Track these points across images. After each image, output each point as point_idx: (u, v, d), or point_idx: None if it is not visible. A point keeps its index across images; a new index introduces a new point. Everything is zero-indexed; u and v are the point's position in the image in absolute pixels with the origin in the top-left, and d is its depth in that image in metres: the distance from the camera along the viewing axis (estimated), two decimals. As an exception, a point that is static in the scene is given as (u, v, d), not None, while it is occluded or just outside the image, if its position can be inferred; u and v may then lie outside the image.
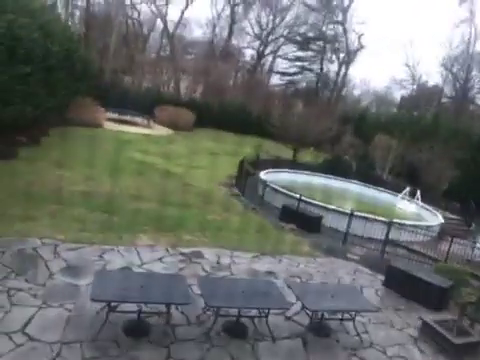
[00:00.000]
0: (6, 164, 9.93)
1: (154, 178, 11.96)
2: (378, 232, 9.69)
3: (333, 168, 17.71)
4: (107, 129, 18.92)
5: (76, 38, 24.63)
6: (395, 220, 10.23)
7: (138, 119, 22.83)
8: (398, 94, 40.36)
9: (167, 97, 28.43)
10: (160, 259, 6.58)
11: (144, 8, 36.33)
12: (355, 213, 9.99)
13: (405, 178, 18.70)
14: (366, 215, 10.61)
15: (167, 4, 34.96)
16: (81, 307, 4.79)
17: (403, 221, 11.11)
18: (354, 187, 16.81)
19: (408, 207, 14.72)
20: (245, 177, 13.16)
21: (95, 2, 34.76)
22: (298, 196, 10.70)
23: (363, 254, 8.88)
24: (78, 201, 8.46)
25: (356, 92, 44.60)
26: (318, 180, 16.47)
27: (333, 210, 10.87)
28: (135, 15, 36.77)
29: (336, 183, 16.70)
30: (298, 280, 6.78)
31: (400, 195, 15.37)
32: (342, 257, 8.43)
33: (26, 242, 6.21)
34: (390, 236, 9.45)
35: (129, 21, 36.50)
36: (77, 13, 35.67)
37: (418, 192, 14.97)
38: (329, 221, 10.49)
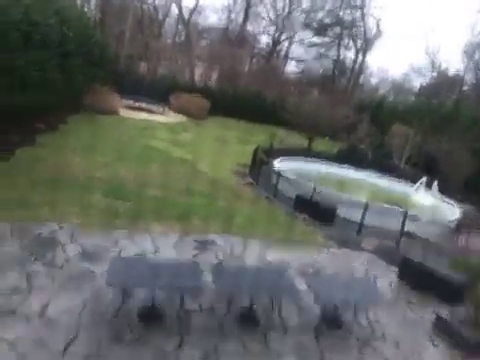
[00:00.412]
0: (25, 150, 10.10)
1: (168, 165, 12.01)
2: (393, 223, 9.56)
3: (349, 157, 17.47)
4: (123, 116, 19.02)
5: (92, 24, 24.68)
6: (411, 211, 10.08)
7: (153, 106, 22.85)
8: (417, 82, 39.39)
9: (182, 84, 28.35)
10: (174, 246, 6.64)
11: (159, -7, 36.07)
12: (370, 204, 9.87)
13: (422, 168, 18.34)
14: (381, 206, 10.47)
15: (183, -11, 34.62)
16: (97, 291, 4.89)
17: (419, 212, 10.94)
18: (369, 177, 16.58)
19: (424, 198, 14.46)
20: (259, 166, 13.10)
21: (111, -13, 34.60)
22: (312, 186, 10.61)
23: (377, 245, 8.80)
24: (94, 187, 8.57)
25: (373, 80, 43.69)
26: (333, 169, 16.28)
27: (348, 200, 10.76)
28: (150, 0, 36.55)
29: (351, 172, 16.48)
30: (311, 270, 6.78)
31: (416, 185, 15.12)
32: (356, 248, 8.37)
33: (44, 227, 6.34)
34: (406, 228, 9.33)
35: (144, 6, 36.31)
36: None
37: (435, 183, 14.68)
38: (343, 211, 10.38)
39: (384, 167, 17.33)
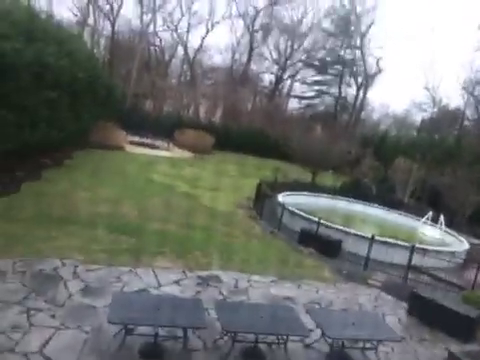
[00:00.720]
0: (30, 185, 10.21)
1: (173, 200, 12.05)
2: (400, 258, 9.40)
3: (353, 191, 17.47)
4: (128, 152, 19.32)
5: (100, 65, 25.61)
6: (418, 245, 9.93)
7: (158, 142, 23.25)
8: (418, 117, 39.99)
9: (187, 121, 28.99)
10: (177, 282, 6.54)
11: (166, 35, 37.65)
12: (376, 237, 9.77)
13: (427, 202, 18.25)
14: (387, 240, 10.35)
15: (188, 31, 36.16)
16: (98, 329, 4.78)
17: (426, 246, 10.77)
18: (374, 211, 16.49)
19: (431, 232, 14.30)
20: (263, 199, 13.11)
21: (119, 30, 36.23)
22: (317, 219, 10.56)
23: (385, 280, 8.62)
24: (98, 222, 8.57)
25: (375, 115, 44.44)
26: (337, 203, 16.25)
27: (353, 234, 10.65)
28: (157, 42, 38.08)
29: (356, 206, 16.43)
30: (317, 306, 6.61)
31: (422, 219, 14.98)
32: (363, 283, 8.19)
33: (46, 262, 6.29)
34: (413, 262, 9.16)
35: (151, 48, 37.77)
36: (102, 41, 37.20)
37: (441, 217, 14.55)
38: (349, 245, 10.26)
39: (388, 201, 17.27)
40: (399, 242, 10.38)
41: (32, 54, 9.47)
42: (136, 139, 22.39)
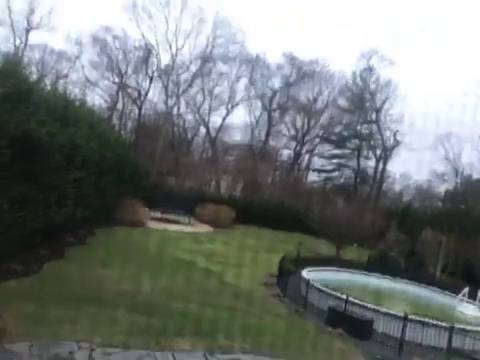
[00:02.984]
0: (53, 265, 10.23)
1: (193, 277, 11.78)
2: (438, 339, 8.65)
3: (379, 266, 16.75)
4: (150, 228, 19.47)
5: (127, 145, 27.06)
6: (457, 325, 9.16)
7: (180, 217, 23.46)
8: (441, 188, 39.50)
9: (208, 195, 29.47)
10: (198, 367, 6.12)
11: (189, 117, 40.01)
12: (410, 316, 9.10)
13: (461, 277, 17.23)
14: (422, 319, 9.62)
15: (210, 113, 38.39)
16: None
17: (467, 326, 9.92)
18: (404, 286, 15.61)
19: (470, 310, 13.26)
20: (286, 276, 12.66)
21: (146, 113, 38.83)
22: (344, 297, 10.01)
23: (424, 366, 7.84)
24: (118, 302, 8.36)
25: (397, 187, 44.17)
26: (364, 279, 15.52)
27: (384, 313, 9.97)
28: (181, 123, 40.37)
29: (384, 282, 15.62)
30: (351, 397, 5.98)
31: (459, 296, 14.00)
32: (400, 369, 7.47)
33: (63, 346, 6.05)
34: (453, 344, 8.39)
35: (175, 128, 39.98)
36: (130, 124, 39.78)
37: (479, 293, 13.60)
38: (381, 325, 9.56)
39: (418, 276, 16.39)
40: (436, 322, 9.62)
41: (65, 137, 10.12)
42: (158, 215, 22.69)
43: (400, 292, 14.98)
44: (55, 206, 10.44)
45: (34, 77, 11.24)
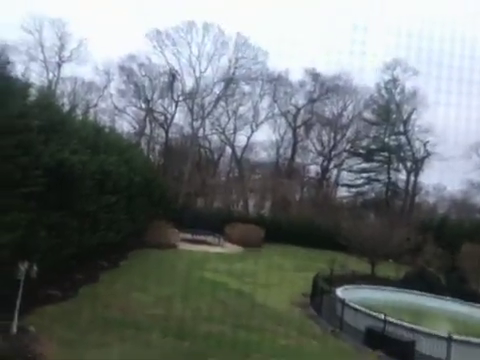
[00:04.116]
0: (87, 288, 10.40)
1: (225, 298, 11.66)
2: (488, 361, 8.10)
3: (418, 282, 16.03)
4: (180, 249, 19.56)
5: (155, 168, 27.62)
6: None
7: (209, 238, 23.49)
8: (479, 198, 37.81)
9: (236, 215, 29.46)
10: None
11: (214, 138, 40.55)
12: (454, 337, 8.59)
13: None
14: (468, 339, 9.06)
15: (235, 133, 38.77)
16: None
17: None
18: (446, 304, 14.82)
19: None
20: (320, 295, 12.31)
21: (172, 137, 39.67)
22: (382, 316, 9.60)
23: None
24: (151, 325, 8.36)
25: (431, 199, 42.66)
26: (402, 296, 14.88)
27: (427, 333, 9.46)
28: (207, 144, 40.93)
29: (424, 300, 14.91)
30: None
31: (507, 313, 13.18)
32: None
33: (99, 372, 6.07)
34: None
35: (201, 150, 40.55)
36: (157, 147, 40.70)
37: None
38: (423, 346, 9.07)
39: (460, 292, 15.54)
40: (484, 341, 9.05)
41: (96, 164, 10.42)
42: (188, 236, 22.80)
43: (442, 310, 14.24)
44: (88, 231, 10.68)
45: (66, 108, 11.74)
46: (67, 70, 35.36)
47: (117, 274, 12.68)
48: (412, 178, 38.28)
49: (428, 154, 37.41)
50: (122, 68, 37.10)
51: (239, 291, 12.92)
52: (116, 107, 38.03)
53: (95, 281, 11.14)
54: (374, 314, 10.38)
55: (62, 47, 35.00)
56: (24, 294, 6.67)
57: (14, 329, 6.48)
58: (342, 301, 11.30)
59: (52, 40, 34.43)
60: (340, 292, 13.01)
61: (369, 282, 15.64)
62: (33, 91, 8.83)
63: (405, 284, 16.12)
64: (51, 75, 34.91)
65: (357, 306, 11.05)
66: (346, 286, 14.13)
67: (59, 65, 35.32)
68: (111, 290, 10.65)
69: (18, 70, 8.23)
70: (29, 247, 7.43)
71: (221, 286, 13.34)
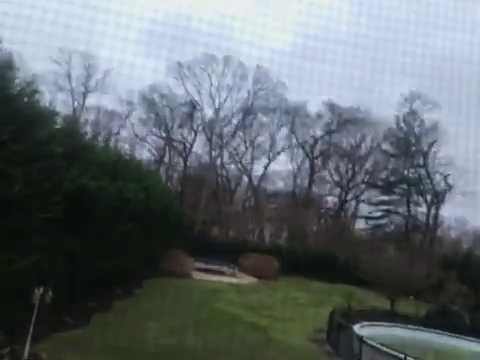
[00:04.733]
0: (101, 317, 10.31)
1: (238, 331, 11.35)
2: None
3: (440, 321, 15.31)
4: (195, 279, 19.36)
5: (173, 196, 27.83)
6: None
7: (224, 268, 23.23)
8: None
9: (252, 245, 29.16)
10: None
11: (232, 166, 40.83)
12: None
13: None
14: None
15: (252, 162, 38.98)
16: None
17: None
18: (471, 345, 14.06)
19: None
20: (337, 331, 11.86)
21: (191, 165, 40.16)
22: (403, 356, 9.14)
23: None
24: (162, 355, 8.19)
25: (453, 233, 41.39)
26: (424, 335, 14.20)
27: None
28: (224, 173, 41.20)
29: (447, 339, 14.18)
30: None
31: None
32: None
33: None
34: None
35: (219, 178, 40.81)
36: (175, 175, 41.20)
37: None
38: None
39: (486, 333, 14.76)
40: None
41: (114, 190, 10.57)
42: (203, 265, 22.60)
43: (466, 351, 13.51)
44: (104, 258, 10.71)
45: (89, 136, 12.09)
46: (92, 99, 36.69)
47: (131, 303, 12.58)
48: (433, 212, 37.37)
49: (449, 187, 36.59)
50: (144, 98, 38.25)
51: (254, 324, 12.59)
52: (137, 135, 38.95)
53: (108, 309, 11.06)
54: (394, 353, 9.90)
55: (88, 77, 36.46)
56: (37, 320, 6.65)
57: (25, 355, 6.43)
58: (360, 338, 10.85)
59: (79, 71, 35.96)
60: (358, 329, 12.52)
61: (389, 319, 15.03)
62: (58, 119, 9.15)
63: (427, 322, 15.42)
64: (76, 104, 36.24)
65: (376, 344, 10.58)
66: (364, 322, 13.61)
67: (84, 95, 36.70)
68: (124, 319, 10.54)
69: (46, 99, 8.59)
70: (45, 272, 7.48)
71: (235, 318, 13.05)
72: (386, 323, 14.52)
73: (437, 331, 14.54)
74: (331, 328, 12.47)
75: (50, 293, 6.75)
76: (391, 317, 15.61)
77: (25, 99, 7.25)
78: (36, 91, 7.65)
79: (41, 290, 6.61)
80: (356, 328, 12.57)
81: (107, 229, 10.28)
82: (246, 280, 22.18)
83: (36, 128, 7.19)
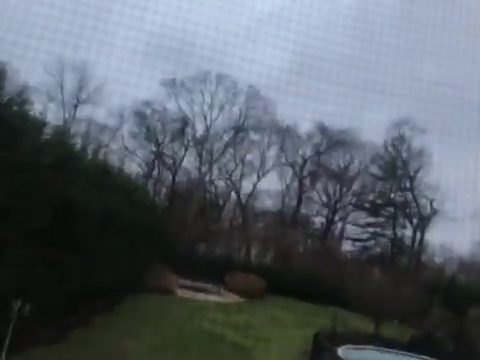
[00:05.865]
0: (80, 332, 10.02)
1: (221, 352, 11.14)
2: None
3: (424, 346, 15.24)
4: (179, 296, 19.03)
5: (159, 211, 27.57)
6: None
7: (209, 286, 22.91)
8: (487, 260, 36.82)
9: (238, 263, 28.90)
10: None
11: (220, 183, 40.77)
12: None
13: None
14: None
15: (241, 179, 39.03)
16: None
17: None
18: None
19: None
20: (321, 354, 11.72)
21: (179, 180, 39.98)
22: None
23: None
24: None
25: (437, 258, 41.62)
26: (408, 361, 14.12)
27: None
28: (212, 189, 41.07)
29: (430, 365, 14.12)
30: None
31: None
32: None
33: None
34: None
35: (207, 194, 40.64)
36: (163, 190, 40.91)
37: None
38: None
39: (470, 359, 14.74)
40: None
41: (100, 203, 10.42)
42: (187, 283, 22.25)
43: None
44: (87, 271, 10.46)
45: (78, 147, 11.97)
46: (83, 111, 36.50)
47: (111, 319, 12.27)
48: (418, 235, 37.68)
49: (435, 212, 37.03)
50: (136, 112, 38.23)
51: (236, 344, 12.36)
52: (126, 148, 38.72)
53: (88, 324, 10.76)
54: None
55: (80, 89, 36.37)
56: (14, 333, 6.43)
57: (-1, 371, 6.19)
58: (344, 362, 10.74)
59: (72, 82, 35.86)
60: (342, 352, 12.39)
61: (372, 342, 14.92)
62: (47, 130, 9.06)
63: (411, 347, 15.35)
64: (67, 115, 36.01)
65: (360, 369, 10.47)
66: (348, 345, 13.49)
67: (76, 106, 36.53)
68: (103, 335, 10.26)
69: (37, 109, 8.50)
70: (25, 284, 7.27)
71: (218, 338, 12.80)
72: (370, 346, 14.41)
73: (421, 356, 14.47)
74: (315, 351, 12.33)
75: (28, 306, 6.55)
76: (375, 340, 15.49)
77: (14, 108, 7.19)
78: (26, 101, 7.60)
79: (19, 303, 6.41)
80: (340, 351, 12.44)
81: (91, 242, 10.09)
82: (231, 299, 21.87)
83: (24, 138, 7.11)
